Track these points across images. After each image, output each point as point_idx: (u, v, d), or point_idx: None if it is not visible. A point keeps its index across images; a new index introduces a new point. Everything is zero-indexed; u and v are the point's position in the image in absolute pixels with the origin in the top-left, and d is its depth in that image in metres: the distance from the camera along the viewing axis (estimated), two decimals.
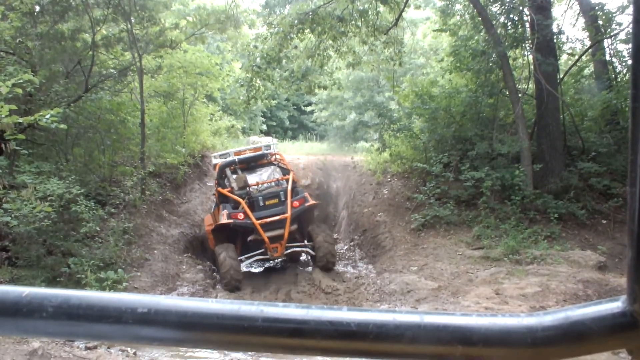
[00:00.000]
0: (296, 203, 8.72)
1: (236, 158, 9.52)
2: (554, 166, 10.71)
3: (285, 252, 8.93)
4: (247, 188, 8.93)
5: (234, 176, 9.32)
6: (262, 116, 28.03)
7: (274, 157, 10.07)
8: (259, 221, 8.41)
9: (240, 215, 8.46)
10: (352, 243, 11.91)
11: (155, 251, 9.22)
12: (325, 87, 15.95)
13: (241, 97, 14.03)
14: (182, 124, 13.88)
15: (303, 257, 9.94)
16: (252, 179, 9.27)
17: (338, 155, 17.93)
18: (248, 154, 9.60)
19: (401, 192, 12.18)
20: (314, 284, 8.44)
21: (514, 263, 8.47)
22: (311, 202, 9.08)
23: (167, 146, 12.59)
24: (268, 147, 9.82)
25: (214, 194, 9.25)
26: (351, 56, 14.39)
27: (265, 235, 8.46)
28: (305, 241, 9.21)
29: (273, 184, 9.30)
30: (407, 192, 11.99)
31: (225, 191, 8.97)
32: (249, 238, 8.80)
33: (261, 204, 8.70)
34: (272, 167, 9.80)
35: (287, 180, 9.15)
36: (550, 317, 0.67)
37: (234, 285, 8.27)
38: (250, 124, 25.70)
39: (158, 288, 8.02)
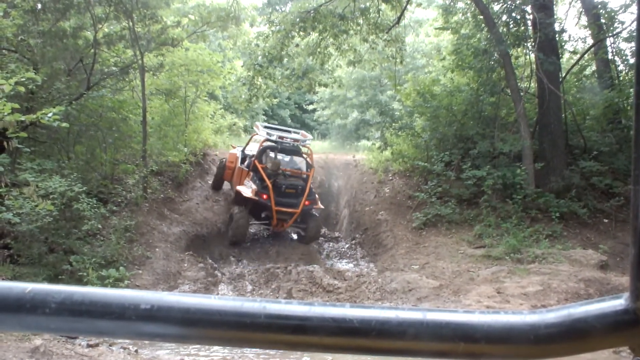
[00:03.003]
0: (307, 202, 10.53)
1: (278, 145, 10.85)
2: (555, 165, 10.69)
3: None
4: (278, 172, 10.58)
5: (272, 156, 10.80)
6: (263, 114, 27.97)
7: (306, 149, 11.46)
8: (276, 208, 10.26)
9: (264, 196, 10.19)
10: (353, 241, 11.91)
11: (157, 249, 9.22)
12: (325, 85, 15.93)
13: (243, 96, 14.02)
14: (183, 122, 13.85)
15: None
16: (283, 164, 10.92)
17: (340, 153, 17.89)
18: (290, 143, 10.99)
19: (403, 191, 12.17)
20: (315, 282, 8.45)
21: (516, 262, 8.46)
22: (318, 205, 10.95)
23: (168, 144, 12.57)
24: (305, 141, 11.19)
25: (252, 157, 11.00)
26: (352, 54, 14.36)
27: (276, 217, 10.43)
28: (301, 222, 11.08)
29: (297, 175, 11.00)
30: (409, 191, 11.97)
31: (260, 167, 10.57)
32: (263, 214, 10.63)
33: (282, 189, 10.43)
34: (301, 159, 11.36)
35: (308, 176, 10.84)
36: (553, 315, 0.66)
37: (237, 241, 10.47)
38: (252, 122, 25.66)
39: (160, 286, 8.03)
